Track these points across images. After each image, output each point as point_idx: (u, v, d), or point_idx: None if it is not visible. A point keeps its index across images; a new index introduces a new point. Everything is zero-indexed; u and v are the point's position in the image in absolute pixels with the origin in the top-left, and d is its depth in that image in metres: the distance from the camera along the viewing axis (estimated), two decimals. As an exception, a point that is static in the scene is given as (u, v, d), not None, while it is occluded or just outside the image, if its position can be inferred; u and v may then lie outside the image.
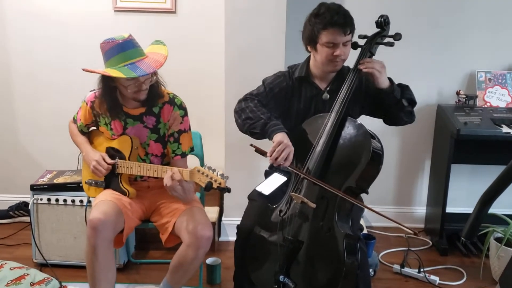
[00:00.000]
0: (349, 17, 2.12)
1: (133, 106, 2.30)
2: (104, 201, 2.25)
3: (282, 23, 2.96)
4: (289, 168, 2.12)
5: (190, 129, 2.39)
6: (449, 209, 3.20)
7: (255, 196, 2.34)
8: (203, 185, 2.04)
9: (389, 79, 2.18)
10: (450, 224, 3.21)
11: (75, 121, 2.47)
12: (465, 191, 3.39)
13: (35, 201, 2.86)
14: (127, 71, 2.09)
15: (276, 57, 2.98)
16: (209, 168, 2.06)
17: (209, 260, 2.82)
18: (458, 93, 3.25)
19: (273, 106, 2.29)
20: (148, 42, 3.33)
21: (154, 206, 2.41)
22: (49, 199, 2.85)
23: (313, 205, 2.05)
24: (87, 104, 2.36)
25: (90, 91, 2.36)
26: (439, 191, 3.22)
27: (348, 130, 2.11)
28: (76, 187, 2.84)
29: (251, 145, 2.08)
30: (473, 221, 1.42)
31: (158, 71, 2.24)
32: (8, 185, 3.58)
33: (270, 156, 2.05)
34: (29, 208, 2.87)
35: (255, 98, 2.28)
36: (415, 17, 3.26)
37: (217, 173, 2.03)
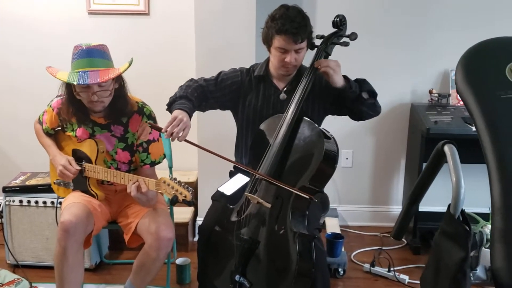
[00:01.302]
0: (304, 25, 2.12)
1: (98, 116, 2.29)
2: (75, 203, 2.27)
3: (252, 21, 2.98)
4: (241, 166, 2.15)
5: (160, 137, 2.38)
6: (423, 208, 3.19)
7: (217, 197, 2.37)
8: (170, 197, 2.05)
9: (345, 77, 2.18)
10: (423, 222, 3.21)
11: (40, 122, 2.47)
12: (438, 189, 3.37)
13: (7, 203, 2.89)
14: (73, 77, 2.10)
15: (247, 58, 2.99)
16: (175, 179, 2.05)
17: (179, 260, 2.84)
18: (430, 92, 3.26)
19: (220, 95, 2.34)
20: (123, 44, 3.38)
21: (120, 208, 2.44)
22: (21, 201, 2.88)
23: (268, 205, 2.07)
24: (53, 109, 2.37)
25: (56, 96, 2.36)
26: (412, 190, 3.22)
27: (303, 130, 2.13)
28: (47, 188, 2.85)
29: (146, 121, 2.11)
30: (402, 220, 1.44)
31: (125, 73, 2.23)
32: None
33: (166, 131, 2.04)
34: (1, 209, 2.90)
35: (199, 82, 2.33)
36: (387, 16, 3.27)
37: (183, 186, 2.03)
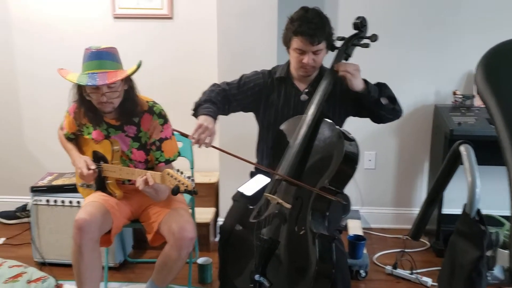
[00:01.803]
0: (321, 27, 2.14)
1: (111, 117, 2.34)
2: (91, 202, 2.33)
3: (274, 24, 3.00)
4: (259, 166, 2.17)
5: (172, 135, 2.41)
6: (446, 210, 3.17)
7: (237, 197, 2.39)
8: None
9: (365, 80, 2.18)
10: (447, 225, 3.18)
11: (61, 128, 2.54)
12: (461, 191, 3.33)
13: (34, 202, 2.97)
14: (82, 78, 2.15)
15: (268, 61, 2.99)
16: (178, 170, 2.10)
17: (200, 260, 2.87)
18: (454, 93, 3.23)
19: (242, 98, 2.37)
20: (146, 47, 3.43)
21: (142, 207, 2.48)
22: (48, 201, 2.96)
23: (288, 206, 2.08)
24: (70, 114, 2.44)
25: (73, 101, 2.42)
26: (436, 192, 3.19)
27: (323, 131, 2.14)
28: (73, 188, 2.89)
29: (174, 129, 2.13)
30: (419, 221, 1.43)
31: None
32: (15, 187, 3.71)
33: (193, 138, 2.09)
34: (29, 209, 2.98)
35: (221, 86, 2.38)
36: (411, 18, 3.25)
37: (185, 176, 2.07)
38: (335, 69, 2.18)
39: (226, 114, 2.40)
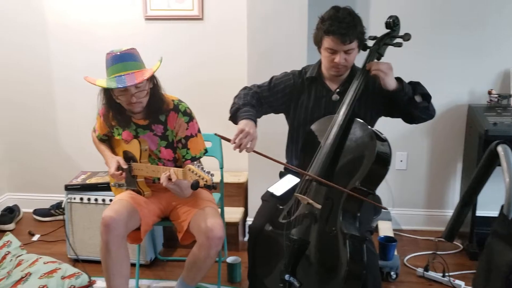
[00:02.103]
0: (353, 26, 2.11)
1: (139, 117, 2.38)
2: (118, 201, 2.38)
3: (304, 24, 2.98)
4: (290, 167, 2.18)
5: (198, 132, 2.43)
6: (480, 213, 3.10)
7: (267, 197, 2.39)
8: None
9: (398, 78, 2.16)
10: (480, 227, 3.11)
11: (95, 130, 2.61)
12: (496, 193, 3.25)
13: (68, 200, 3.03)
14: (111, 82, 2.18)
15: (298, 59, 2.99)
16: (198, 166, 2.12)
17: (229, 259, 2.88)
18: (490, 93, 3.16)
19: (274, 100, 2.37)
20: (177, 48, 3.46)
21: (171, 205, 2.51)
22: (81, 199, 3.02)
23: (319, 206, 2.07)
24: (100, 116, 2.49)
25: (102, 104, 2.46)
26: (469, 194, 3.13)
27: (354, 132, 2.12)
28: (106, 187, 2.98)
29: (216, 134, 2.11)
30: (454, 222, 1.41)
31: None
32: (50, 185, 3.80)
33: (234, 143, 2.09)
34: (63, 207, 3.05)
35: (253, 88, 2.38)
36: (443, 16, 3.19)
37: (205, 171, 2.09)
38: (367, 68, 2.16)
39: (259, 117, 2.41)
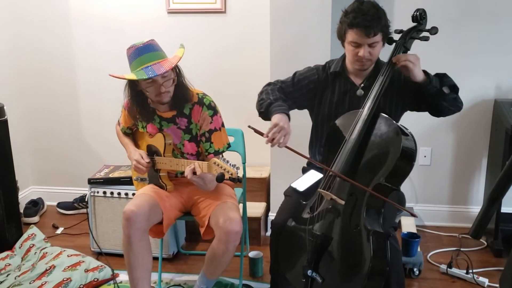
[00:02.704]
0: (377, 18, 2.08)
1: (164, 110, 2.39)
2: (140, 195, 2.40)
3: (328, 17, 2.96)
4: (314, 162, 2.17)
5: (222, 127, 2.43)
6: (505, 209, 3.05)
7: (290, 192, 2.38)
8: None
9: (424, 71, 2.12)
10: (506, 224, 3.06)
11: (119, 123, 2.62)
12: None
13: (92, 194, 3.07)
14: (140, 73, 2.18)
15: (322, 52, 2.97)
16: (224, 159, 2.12)
17: (251, 254, 2.89)
18: (516, 87, 3.09)
19: (298, 96, 2.35)
20: (201, 42, 3.46)
21: (192, 200, 2.52)
22: (104, 192, 3.05)
23: (342, 202, 2.05)
24: (125, 109, 2.50)
25: (127, 97, 2.47)
26: (494, 190, 3.07)
27: (380, 127, 2.09)
28: (129, 181, 3.00)
29: (249, 126, 2.08)
30: (481, 219, 1.38)
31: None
32: (73, 179, 3.85)
33: (267, 137, 2.07)
34: (86, 200, 3.08)
35: (277, 84, 2.37)
36: (471, 9, 3.12)
37: (230, 164, 2.09)
38: (393, 61, 2.12)
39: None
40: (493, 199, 1.35)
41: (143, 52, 2.21)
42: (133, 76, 2.21)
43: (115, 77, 2.25)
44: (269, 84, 2.40)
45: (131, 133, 2.61)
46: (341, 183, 2.10)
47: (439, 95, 2.14)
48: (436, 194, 3.44)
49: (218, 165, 2.11)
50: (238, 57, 3.44)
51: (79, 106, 3.76)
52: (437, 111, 2.23)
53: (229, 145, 2.48)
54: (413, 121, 2.41)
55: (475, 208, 3.41)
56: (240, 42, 3.42)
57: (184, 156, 2.45)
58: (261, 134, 2.08)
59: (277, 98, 2.25)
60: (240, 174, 2.57)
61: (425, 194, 3.46)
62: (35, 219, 3.62)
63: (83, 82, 3.71)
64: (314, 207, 2.17)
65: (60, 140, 3.83)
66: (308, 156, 2.13)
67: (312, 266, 2.07)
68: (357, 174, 2.07)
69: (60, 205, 3.77)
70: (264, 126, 2.13)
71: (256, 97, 3.39)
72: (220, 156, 2.16)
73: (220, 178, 2.07)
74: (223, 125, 2.44)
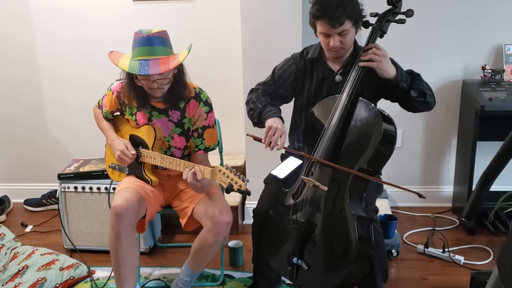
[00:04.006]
0: (341, 7, 2.02)
1: (157, 100, 2.32)
2: (127, 189, 2.31)
3: (298, 2, 2.93)
4: (288, 150, 2.18)
5: (215, 124, 2.40)
6: (477, 188, 3.12)
7: (270, 180, 2.36)
8: (224, 186, 2.05)
9: (397, 67, 2.11)
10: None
11: (100, 106, 2.49)
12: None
13: (62, 190, 2.96)
14: (134, 66, 2.11)
15: (293, 38, 2.96)
16: (230, 168, 2.06)
17: (231, 243, 2.86)
18: (483, 68, 3.15)
19: (282, 91, 2.33)
20: (167, 29, 3.36)
21: (175, 193, 2.47)
22: (75, 187, 2.95)
23: (325, 188, 2.05)
24: (113, 93, 2.39)
25: (117, 80, 2.39)
26: (465, 170, 3.15)
27: (359, 111, 2.08)
28: (101, 175, 2.92)
29: (247, 134, 2.10)
30: (474, 201, 1.40)
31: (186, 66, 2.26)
32: (40, 174, 3.71)
33: (265, 142, 2.09)
34: (57, 196, 2.98)
35: (260, 88, 2.35)
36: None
37: (238, 175, 2.03)
38: (366, 48, 2.11)
39: None
40: (486, 180, 1.36)
41: (146, 44, 2.12)
42: (124, 66, 2.14)
43: (111, 59, 2.18)
44: (251, 91, 2.37)
45: (112, 119, 2.51)
46: (322, 169, 2.10)
47: (405, 96, 2.15)
48: (408, 176, 3.50)
49: (223, 173, 2.06)
50: (208, 44, 3.36)
51: (43, 94, 3.60)
52: (406, 107, 2.25)
53: (218, 143, 2.45)
54: (384, 103, 2.41)
55: (446, 188, 3.49)
56: (209, 29, 3.35)
57: (170, 150, 2.39)
58: (260, 140, 2.10)
59: (265, 105, 2.24)
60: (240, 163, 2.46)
61: (397, 176, 3.49)
62: (2, 217, 3.48)
63: (46, 69, 3.55)
64: (296, 194, 2.16)
65: (23, 135, 3.68)
66: (308, 155, 2.12)
67: (298, 254, 2.07)
68: (339, 159, 2.07)
69: (28, 202, 3.63)
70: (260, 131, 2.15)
71: (228, 84, 3.40)
72: (226, 164, 2.10)
73: (229, 190, 2.02)
74: (215, 122, 2.40)
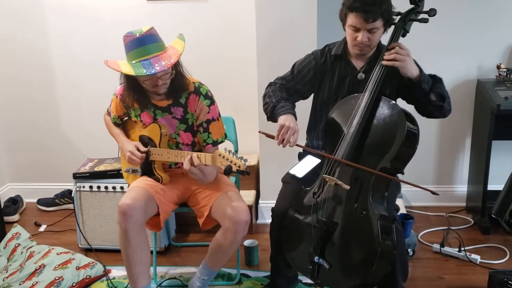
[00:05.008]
0: (378, 4, 2.03)
1: (159, 98, 2.32)
2: (135, 187, 2.32)
3: (313, 2, 2.93)
4: (307, 149, 2.20)
5: (219, 116, 2.39)
6: (491, 187, 3.11)
7: (288, 179, 2.35)
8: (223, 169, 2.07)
9: (420, 69, 2.11)
10: (492, 202, 3.06)
11: (108, 113, 2.53)
12: (507, 167, 3.26)
13: (78, 189, 2.96)
14: (138, 69, 2.10)
15: (308, 37, 2.96)
16: (230, 151, 2.07)
17: (246, 242, 2.86)
18: (498, 67, 3.15)
19: (301, 87, 2.34)
20: (180, 30, 3.35)
21: (189, 191, 2.46)
22: (91, 187, 2.95)
23: (347, 187, 2.04)
24: (117, 97, 2.41)
25: (120, 84, 2.39)
26: (480, 169, 3.14)
27: (382, 110, 2.08)
28: (116, 174, 2.92)
29: (260, 131, 2.11)
30: (504, 198, 1.39)
31: (184, 59, 2.26)
32: (53, 174, 3.71)
33: (277, 139, 2.09)
34: (73, 195, 2.98)
35: (278, 82, 2.35)
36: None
37: (236, 157, 2.05)
38: (389, 48, 2.10)
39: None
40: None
41: (142, 44, 2.12)
42: (129, 71, 2.12)
43: (111, 67, 2.15)
44: (269, 84, 2.37)
45: (121, 124, 2.53)
46: (344, 168, 2.09)
47: (425, 99, 2.14)
48: (422, 175, 3.49)
49: (223, 157, 2.06)
50: (221, 44, 3.36)
51: (56, 96, 3.61)
52: (421, 111, 2.23)
53: (226, 135, 2.44)
54: (398, 103, 2.41)
55: (460, 188, 3.48)
56: (223, 29, 3.34)
57: (179, 147, 2.39)
58: (272, 137, 2.10)
59: (279, 100, 2.24)
60: (254, 162, 2.42)
61: (411, 175, 3.40)
62: (15, 217, 3.48)
63: (59, 71, 3.55)
64: (317, 193, 2.15)
65: (37, 134, 3.68)
66: (321, 152, 2.13)
67: (319, 252, 2.06)
68: (362, 158, 2.06)
69: (41, 201, 3.63)
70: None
71: (242, 84, 3.40)
72: (225, 148, 2.10)
73: (228, 171, 2.02)
74: (219, 114, 2.40)
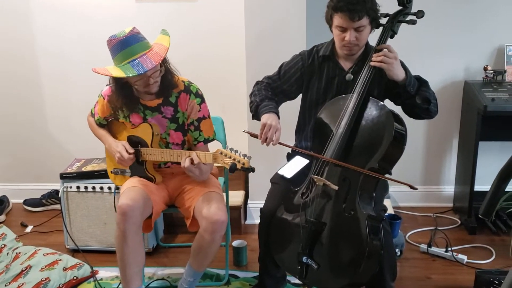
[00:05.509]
0: (362, 2, 2.04)
1: (149, 98, 2.32)
2: (132, 188, 2.30)
3: (302, 3, 2.93)
4: (296, 149, 2.21)
5: (209, 114, 2.40)
6: (478, 187, 3.14)
7: (277, 179, 2.36)
8: (228, 167, 2.06)
9: (406, 71, 2.12)
10: (479, 202, 3.08)
11: (92, 115, 2.50)
12: (494, 168, 3.27)
13: (65, 189, 2.94)
14: (128, 70, 2.09)
15: (297, 38, 2.95)
16: (231, 149, 2.07)
17: (235, 243, 2.85)
18: (485, 69, 3.17)
19: (287, 87, 2.35)
20: (169, 29, 3.34)
21: (177, 191, 2.46)
22: (78, 187, 2.93)
23: (335, 187, 2.05)
24: (104, 98, 2.39)
25: (107, 85, 2.37)
26: (467, 169, 3.17)
27: (370, 111, 2.09)
28: (104, 174, 2.88)
29: (244, 131, 2.12)
30: (491, 198, 1.40)
31: (172, 59, 2.26)
32: (40, 174, 3.68)
33: (261, 138, 2.10)
34: (60, 196, 2.95)
35: (264, 81, 2.36)
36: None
37: (239, 154, 2.05)
38: (378, 48, 2.11)
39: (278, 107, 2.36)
40: (504, 177, 1.37)
41: (127, 45, 2.11)
42: (120, 73, 2.11)
43: (100, 72, 2.14)
44: (256, 83, 2.38)
45: (106, 124, 2.50)
46: (332, 169, 2.10)
47: (411, 101, 2.16)
48: (409, 176, 3.48)
49: (225, 155, 2.06)
50: (210, 44, 3.35)
51: (43, 93, 3.57)
52: (408, 112, 2.25)
53: (215, 133, 2.44)
54: (385, 103, 2.43)
55: (447, 188, 3.50)
56: (212, 29, 3.33)
57: (169, 147, 2.38)
58: (256, 136, 2.11)
59: (263, 99, 2.25)
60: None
61: (398, 176, 3.41)
62: (1, 218, 3.44)
63: (46, 67, 3.51)
64: (306, 193, 2.16)
65: (22, 134, 3.64)
66: (305, 151, 2.13)
67: (307, 253, 2.07)
68: (350, 158, 2.07)
69: (27, 202, 3.60)
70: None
71: (231, 84, 3.39)
72: (227, 146, 2.10)
73: (233, 169, 2.02)
74: (209, 113, 2.39)
